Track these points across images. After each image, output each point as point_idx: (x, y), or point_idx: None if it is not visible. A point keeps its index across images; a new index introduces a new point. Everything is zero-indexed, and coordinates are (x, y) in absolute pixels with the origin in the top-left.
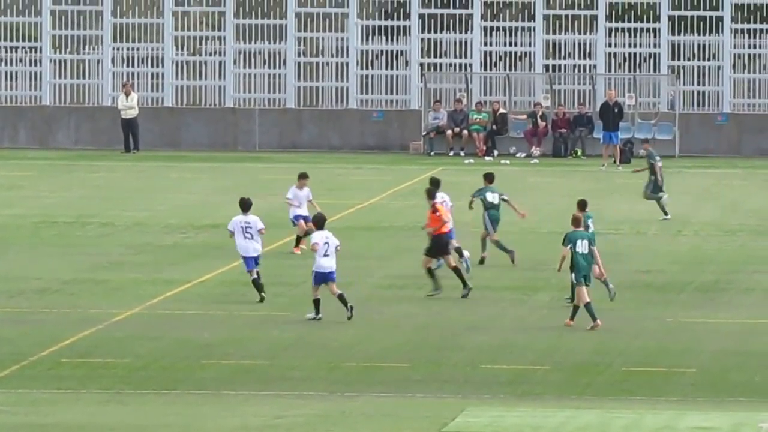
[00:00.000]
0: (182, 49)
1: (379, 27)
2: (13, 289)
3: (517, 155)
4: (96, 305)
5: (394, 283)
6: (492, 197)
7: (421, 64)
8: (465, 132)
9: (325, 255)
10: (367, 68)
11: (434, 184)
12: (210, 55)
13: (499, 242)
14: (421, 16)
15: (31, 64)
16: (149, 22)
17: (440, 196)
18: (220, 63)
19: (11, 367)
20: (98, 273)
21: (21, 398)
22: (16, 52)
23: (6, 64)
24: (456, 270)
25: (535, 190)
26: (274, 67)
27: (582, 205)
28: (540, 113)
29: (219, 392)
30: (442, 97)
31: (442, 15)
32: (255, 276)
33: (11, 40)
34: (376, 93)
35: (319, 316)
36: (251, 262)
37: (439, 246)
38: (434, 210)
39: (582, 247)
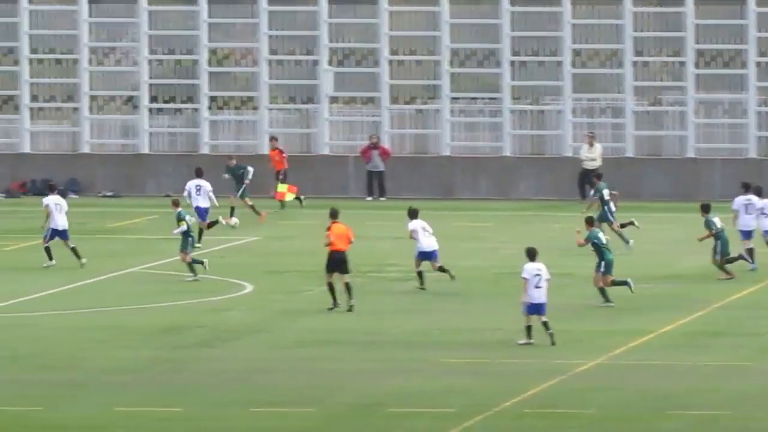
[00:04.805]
0: (643, 99)
1: None
2: (474, 340)
3: None
4: (558, 356)
5: None
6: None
7: None
8: None
9: (536, 287)
10: None
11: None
12: (671, 105)
13: None
14: None
15: (491, 115)
16: (608, 72)
17: None
18: (681, 113)
19: (474, 417)
20: (560, 323)
21: None
22: (476, 103)
23: (466, 116)
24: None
25: None
26: (735, 117)
27: None
28: None
29: None
30: None
31: None
32: None
33: (472, 92)
34: None
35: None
36: None
37: (330, 261)
38: (328, 228)
39: None
